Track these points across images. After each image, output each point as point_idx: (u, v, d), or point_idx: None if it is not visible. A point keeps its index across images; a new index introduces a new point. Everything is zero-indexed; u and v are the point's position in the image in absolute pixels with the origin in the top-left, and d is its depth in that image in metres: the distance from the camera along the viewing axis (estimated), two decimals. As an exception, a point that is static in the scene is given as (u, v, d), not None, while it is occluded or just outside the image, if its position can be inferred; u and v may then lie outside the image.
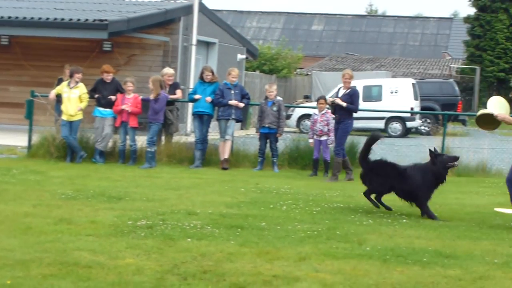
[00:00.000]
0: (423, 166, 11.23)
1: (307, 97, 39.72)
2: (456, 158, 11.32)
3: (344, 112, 15.55)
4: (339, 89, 16.07)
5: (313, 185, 14.20)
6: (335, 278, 6.97)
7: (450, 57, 56.79)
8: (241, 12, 72.27)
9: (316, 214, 10.61)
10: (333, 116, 15.96)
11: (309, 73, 46.21)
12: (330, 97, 15.96)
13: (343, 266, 7.41)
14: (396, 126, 31.44)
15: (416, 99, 31.85)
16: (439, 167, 10.98)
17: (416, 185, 10.92)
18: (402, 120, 31.16)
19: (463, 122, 36.17)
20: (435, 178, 10.99)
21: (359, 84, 32.20)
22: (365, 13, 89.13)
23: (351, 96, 15.59)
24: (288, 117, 31.21)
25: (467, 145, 18.81)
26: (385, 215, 10.77)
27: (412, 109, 30.72)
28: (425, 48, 65.90)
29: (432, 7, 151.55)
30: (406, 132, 31.58)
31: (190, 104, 18.76)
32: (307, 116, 30.69)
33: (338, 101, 15.44)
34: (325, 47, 66.33)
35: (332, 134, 16.19)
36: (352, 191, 13.34)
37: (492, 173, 17.38)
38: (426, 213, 10.81)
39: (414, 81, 33.39)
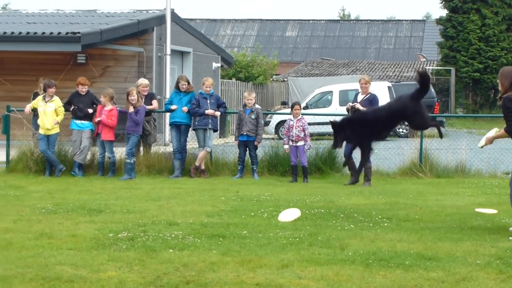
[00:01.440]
0: None
1: (284, 104, 39.78)
2: None
3: None
4: (356, 94, 16.09)
5: (293, 191, 14.20)
6: (318, 285, 6.96)
7: (424, 59, 57.06)
8: (215, 20, 72.33)
9: (297, 221, 10.60)
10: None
11: (285, 79, 46.25)
12: (350, 103, 15.94)
13: (326, 272, 7.40)
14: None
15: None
16: None
17: None
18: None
19: (441, 123, 36.25)
20: None
21: (335, 88, 32.37)
22: (338, 18, 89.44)
23: (371, 102, 15.56)
24: (267, 124, 31.23)
25: (445, 146, 18.84)
26: (366, 220, 10.77)
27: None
28: (400, 51, 66.22)
29: (404, 9, 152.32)
30: (385, 135, 31.60)
31: (167, 114, 18.71)
32: (285, 122, 30.71)
33: (358, 106, 15.44)
34: (300, 52, 66.52)
35: (309, 139, 16.26)
36: (332, 196, 13.35)
37: (471, 174, 17.47)
38: None
39: (389, 84, 33.47)
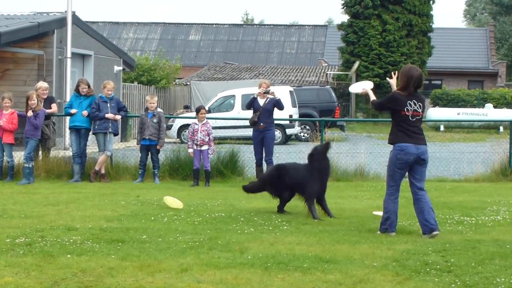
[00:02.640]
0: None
1: (187, 107, 39.72)
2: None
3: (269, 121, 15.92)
4: (254, 99, 16.21)
5: (194, 195, 14.19)
6: (217, 288, 6.98)
7: (326, 64, 57.75)
8: (117, 23, 71.72)
9: (197, 225, 10.61)
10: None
11: (188, 83, 46.17)
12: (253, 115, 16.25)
13: (225, 276, 7.42)
14: (276, 134, 31.67)
15: (294, 106, 32.21)
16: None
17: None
18: (282, 127, 31.45)
19: (341, 128, 36.79)
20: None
21: (238, 93, 32.48)
22: (242, 22, 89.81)
23: (278, 103, 16.09)
24: (169, 127, 31.11)
25: (345, 150, 19.14)
26: (266, 223, 10.85)
27: (290, 116, 31.04)
28: (302, 56, 66.90)
29: (307, 15, 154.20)
30: (286, 139, 31.90)
31: (67, 118, 18.45)
32: (187, 126, 30.65)
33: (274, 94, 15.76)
34: (203, 56, 66.54)
35: (213, 144, 16.33)
36: (233, 200, 13.40)
37: (370, 177, 17.77)
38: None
39: (291, 88, 33.77)
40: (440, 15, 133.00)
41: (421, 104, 10.06)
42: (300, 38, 69.18)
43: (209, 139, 16.36)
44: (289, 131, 32.18)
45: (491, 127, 41.92)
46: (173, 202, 12.37)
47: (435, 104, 51.27)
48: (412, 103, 9.98)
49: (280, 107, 16.02)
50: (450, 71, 61.45)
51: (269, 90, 15.86)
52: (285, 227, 10.48)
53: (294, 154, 19.80)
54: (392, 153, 10.15)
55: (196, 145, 16.34)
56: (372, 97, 10.70)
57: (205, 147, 16.34)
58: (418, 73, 10.07)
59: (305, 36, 69.48)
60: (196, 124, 16.53)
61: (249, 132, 17.52)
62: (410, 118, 9.98)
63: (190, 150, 16.49)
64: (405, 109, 9.96)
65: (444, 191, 15.65)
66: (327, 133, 26.54)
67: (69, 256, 8.25)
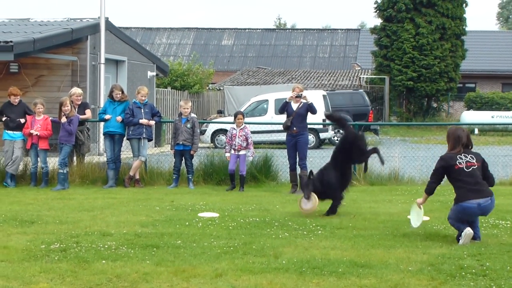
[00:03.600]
0: None
1: (220, 112, 39.74)
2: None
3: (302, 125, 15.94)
4: (287, 103, 16.21)
5: (228, 200, 14.19)
6: (252, 293, 6.97)
7: (359, 68, 57.56)
8: (150, 29, 72.02)
9: (232, 230, 10.60)
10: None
11: (221, 88, 46.23)
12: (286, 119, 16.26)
13: (260, 281, 7.41)
14: (310, 138, 31.64)
15: (328, 110, 32.10)
16: None
17: None
18: (315, 131, 31.39)
19: (375, 131, 36.64)
20: None
21: (271, 97, 32.46)
22: (274, 27, 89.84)
23: (311, 107, 15.97)
24: (202, 132, 31.15)
25: (379, 154, 18.99)
26: (300, 227, 10.82)
27: (324, 120, 30.94)
28: (335, 60, 66.75)
29: (339, 19, 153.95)
30: (320, 143, 31.84)
31: (101, 124, 18.54)
32: (221, 131, 30.73)
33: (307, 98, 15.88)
34: (236, 61, 66.61)
35: (252, 147, 16.33)
36: (267, 205, 13.39)
37: (404, 181, 17.65)
38: None
39: (324, 92, 33.68)
40: (473, 18, 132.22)
41: (473, 156, 9.95)
42: (333, 42, 69.04)
43: (247, 143, 16.34)
44: (322, 136, 32.11)
45: (525, 130, 41.51)
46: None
47: (469, 107, 50.91)
48: (462, 156, 9.91)
49: (313, 111, 15.98)
50: (484, 74, 60.96)
51: (302, 94, 15.84)
52: (319, 232, 10.45)
53: (327, 159, 19.57)
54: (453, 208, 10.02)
55: (234, 150, 16.33)
56: (424, 196, 10.41)
57: (242, 152, 16.33)
58: (465, 134, 10.06)
59: (338, 40, 69.33)
60: (234, 129, 16.51)
61: (282, 136, 17.49)
62: (465, 169, 9.86)
63: (227, 155, 16.46)
64: (457, 163, 9.87)
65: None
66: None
67: (104, 261, 8.29)
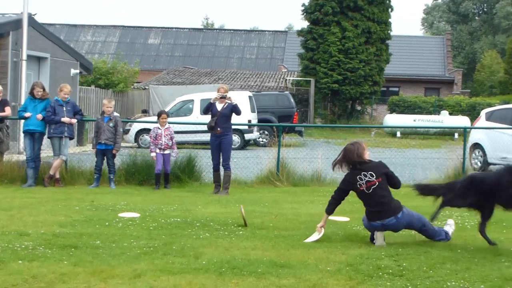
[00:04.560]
0: None
1: (145, 112, 39.48)
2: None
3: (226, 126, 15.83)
4: (211, 104, 16.10)
5: (150, 200, 14.09)
6: (170, 294, 6.92)
7: (286, 70, 57.88)
8: (75, 26, 71.20)
9: (152, 230, 10.52)
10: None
11: (146, 87, 45.93)
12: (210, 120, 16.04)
13: (179, 281, 7.36)
14: (234, 139, 31.66)
15: (253, 111, 32.21)
16: None
17: None
18: (240, 132, 31.42)
19: (300, 133, 36.84)
20: None
21: (196, 97, 32.38)
22: (202, 27, 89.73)
23: (235, 108, 15.92)
24: (126, 132, 30.87)
25: (302, 155, 19.14)
26: (221, 228, 10.79)
27: (249, 121, 31.02)
28: (262, 61, 67.00)
29: (267, 20, 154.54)
30: (245, 144, 31.88)
31: (21, 122, 18.22)
32: (145, 131, 30.48)
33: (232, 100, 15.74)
34: (163, 60, 66.34)
35: (175, 147, 16.37)
36: (190, 205, 13.33)
37: (326, 182, 17.78)
38: None
39: (250, 93, 33.75)
40: (398, 23, 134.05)
41: (372, 173, 9.79)
42: (260, 44, 69.28)
43: (172, 143, 16.44)
44: (247, 136, 32.16)
45: (446, 133, 42.31)
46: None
47: (392, 110, 51.63)
48: (362, 176, 9.79)
49: (238, 112, 15.98)
50: (407, 78, 62.00)
51: (226, 95, 15.83)
52: (240, 232, 10.44)
53: (252, 159, 19.78)
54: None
55: (160, 149, 16.33)
56: (325, 217, 10.22)
57: (167, 151, 16.37)
58: (355, 152, 9.86)
59: (265, 41, 69.61)
60: (159, 128, 16.51)
61: (207, 137, 17.43)
62: (366, 191, 9.80)
63: (153, 154, 16.43)
64: (358, 185, 9.81)
65: (398, 196, 15.59)
66: (285, 138, 26.53)
67: (20, 262, 8.13)
